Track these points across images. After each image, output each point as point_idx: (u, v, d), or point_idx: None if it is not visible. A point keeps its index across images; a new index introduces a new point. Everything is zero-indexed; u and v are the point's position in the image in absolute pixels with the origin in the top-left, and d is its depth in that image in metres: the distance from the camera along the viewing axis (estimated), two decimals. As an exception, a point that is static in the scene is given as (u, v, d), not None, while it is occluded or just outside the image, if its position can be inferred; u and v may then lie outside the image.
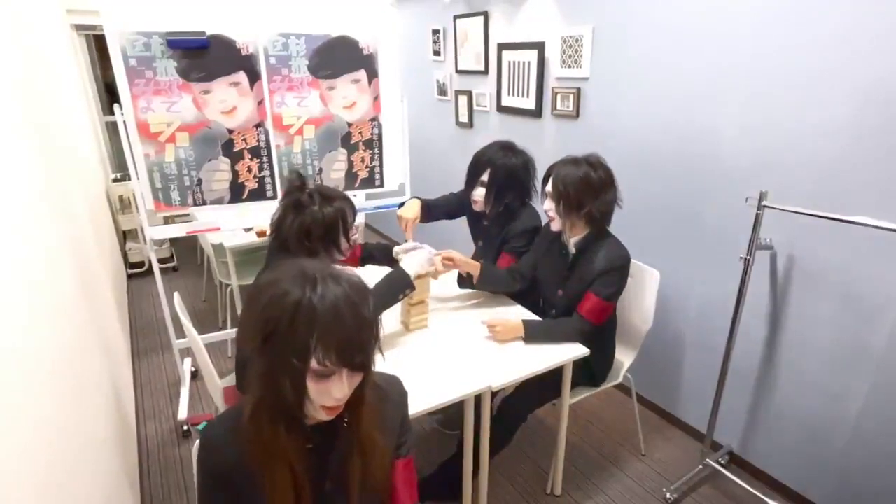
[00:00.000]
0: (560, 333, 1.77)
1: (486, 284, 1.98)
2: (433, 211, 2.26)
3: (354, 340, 0.82)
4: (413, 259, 1.72)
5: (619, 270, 1.74)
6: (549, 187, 1.76)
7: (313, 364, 0.81)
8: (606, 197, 1.71)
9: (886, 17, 1.46)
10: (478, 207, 2.10)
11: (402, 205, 2.23)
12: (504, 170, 1.98)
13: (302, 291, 0.80)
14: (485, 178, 2.00)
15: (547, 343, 1.75)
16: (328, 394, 0.84)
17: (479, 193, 2.04)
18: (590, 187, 1.69)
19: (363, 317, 0.83)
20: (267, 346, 0.82)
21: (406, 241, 1.93)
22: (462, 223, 2.34)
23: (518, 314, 1.90)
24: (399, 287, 1.66)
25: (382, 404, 1.03)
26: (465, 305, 2.03)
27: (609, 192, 1.72)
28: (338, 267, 0.90)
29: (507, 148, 2.02)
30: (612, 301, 1.77)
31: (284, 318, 0.79)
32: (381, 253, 2.00)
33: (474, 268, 1.92)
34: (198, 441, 1.05)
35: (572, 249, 1.82)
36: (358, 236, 1.70)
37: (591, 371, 1.91)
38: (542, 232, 1.98)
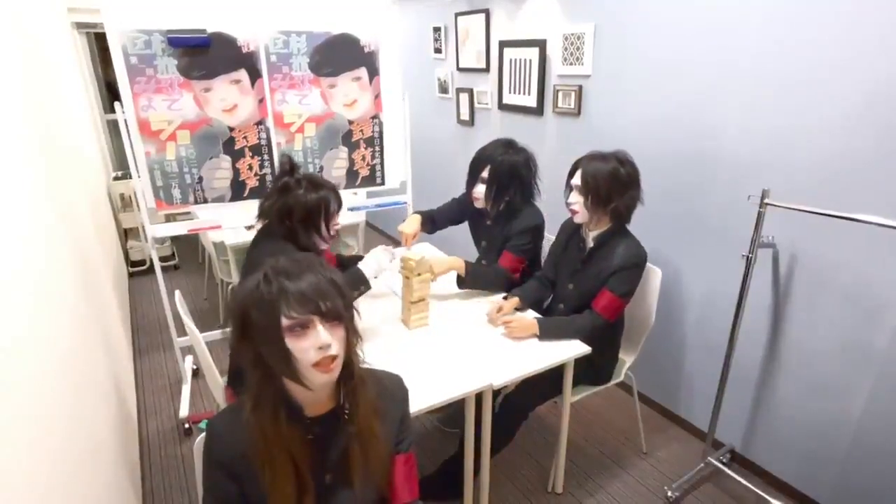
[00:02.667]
0: (573, 330, 1.77)
1: (475, 284, 2.04)
2: (437, 221, 2.28)
3: (314, 289, 0.88)
4: (370, 259, 1.77)
5: (636, 268, 1.75)
6: (575, 181, 1.77)
7: (284, 321, 0.85)
8: (633, 193, 1.74)
9: (889, 15, 1.46)
10: (479, 204, 2.09)
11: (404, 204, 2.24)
12: (504, 166, 1.98)
13: (260, 276, 0.89)
14: (485, 174, 2.00)
15: (561, 339, 1.75)
16: (311, 348, 0.87)
17: (480, 190, 2.04)
18: (618, 182, 1.71)
19: (319, 270, 0.90)
20: (245, 332, 0.88)
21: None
22: (464, 228, 2.34)
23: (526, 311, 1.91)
24: (353, 284, 1.69)
25: (383, 399, 1.05)
26: (465, 304, 2.02)
27: (635, 189, 1.75)
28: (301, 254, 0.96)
29: (507, 145, 2.02)
30: (627, 298, 1.78)
31: (249, 300, 0.88)
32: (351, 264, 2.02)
33: (459, 266, 1.98)
34: (199, 437, 1.06)
35: (590, 243, 1.83)
36: (338, 228, 1.74)
37: (593, 369, 1.91)
38: (562, 227, 1.99)
